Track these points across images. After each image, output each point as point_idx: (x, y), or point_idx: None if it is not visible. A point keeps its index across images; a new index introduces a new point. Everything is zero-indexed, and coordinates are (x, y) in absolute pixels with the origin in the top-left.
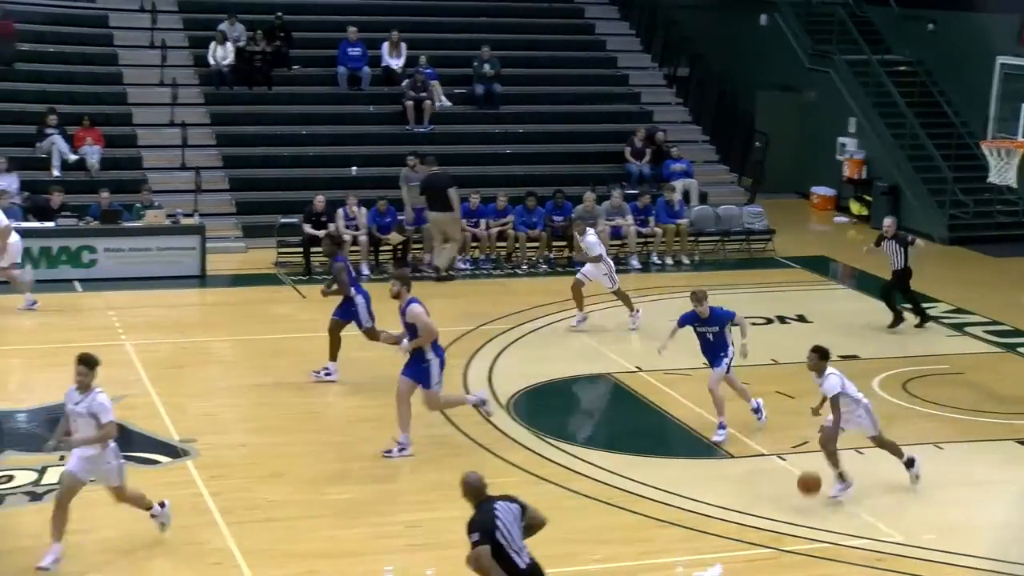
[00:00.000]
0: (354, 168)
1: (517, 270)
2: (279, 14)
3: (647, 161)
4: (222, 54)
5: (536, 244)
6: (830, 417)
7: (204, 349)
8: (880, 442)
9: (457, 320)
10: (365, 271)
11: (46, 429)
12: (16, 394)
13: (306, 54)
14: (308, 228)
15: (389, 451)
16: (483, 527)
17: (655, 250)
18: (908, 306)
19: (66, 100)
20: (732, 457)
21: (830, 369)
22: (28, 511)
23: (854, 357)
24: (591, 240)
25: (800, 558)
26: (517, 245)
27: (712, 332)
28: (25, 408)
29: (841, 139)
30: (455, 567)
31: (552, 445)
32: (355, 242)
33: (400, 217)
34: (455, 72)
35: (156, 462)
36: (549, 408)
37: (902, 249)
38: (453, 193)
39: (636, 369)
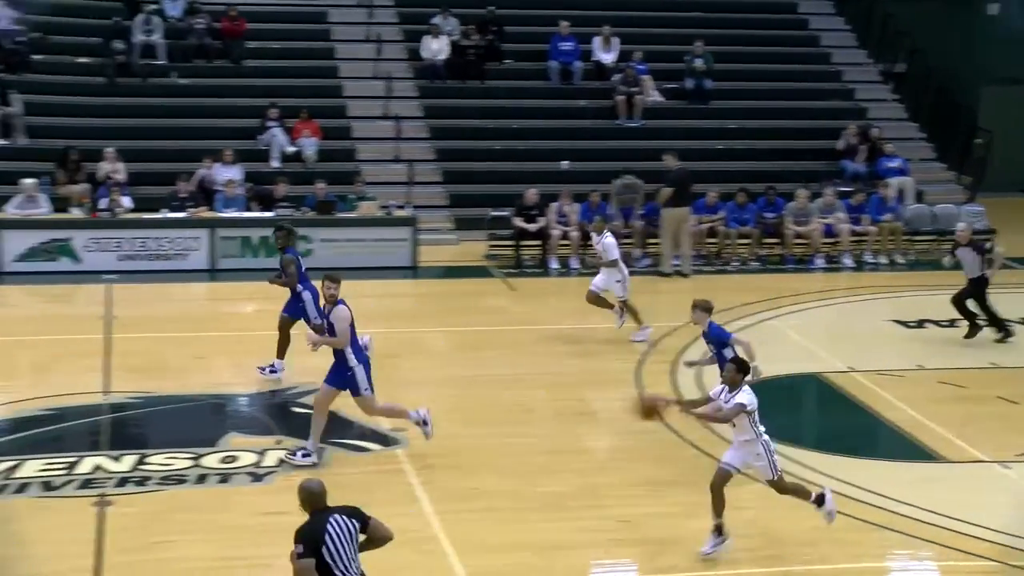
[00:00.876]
0: (565, 162)
1: (727, 267)
2: (491, 8)
3: (863, 159)
4: (436, 47)
5: (747, 241)
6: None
7: (415, 340)
8: (780, 488)
9: (667, 316)
10: (575, 265)
11: (266, 413)
12: (237, 379)
13: (518, 48)
14: (519, 221)
15: (293, 453)
16: (310, 540)
17: (869, 248)
18: (984, 319)
19: (286, 94)
20: (949, 462)
21: (747, 388)
22: (251, 491)
23: None
24: (608, 242)
25: None
26: (728, 242)
27: (714, 351)
28: (246, 392)
29: None
30: (660, 563)
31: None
32: (565, 237)
33: (609, 212)
34: (666, 67)
35: (367, 449)
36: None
37: (979, 257)
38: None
39: (848, 369)
